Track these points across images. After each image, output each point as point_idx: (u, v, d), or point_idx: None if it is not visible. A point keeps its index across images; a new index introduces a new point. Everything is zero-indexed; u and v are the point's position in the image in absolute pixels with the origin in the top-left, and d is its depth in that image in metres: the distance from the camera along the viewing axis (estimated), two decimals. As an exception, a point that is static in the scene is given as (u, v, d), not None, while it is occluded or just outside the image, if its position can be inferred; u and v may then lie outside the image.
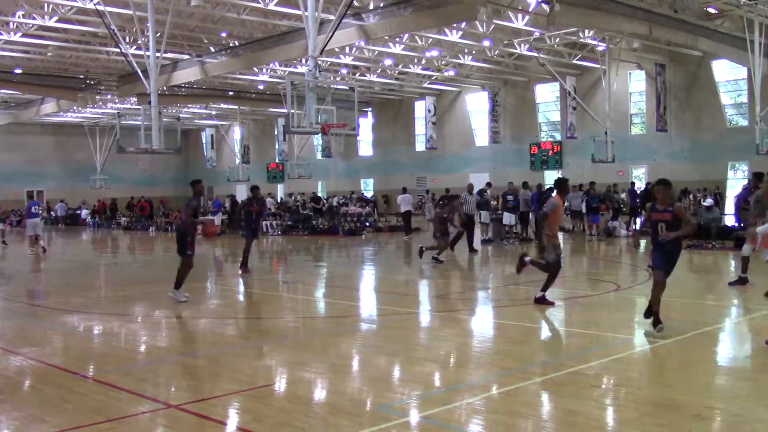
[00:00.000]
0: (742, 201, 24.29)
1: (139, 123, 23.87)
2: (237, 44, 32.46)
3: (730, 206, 30.64)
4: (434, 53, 35.91)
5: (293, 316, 11.52)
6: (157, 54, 24.47)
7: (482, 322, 10.67)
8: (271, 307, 12.63)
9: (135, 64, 25.31)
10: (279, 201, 42.84)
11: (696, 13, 28.65)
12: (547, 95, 43.84)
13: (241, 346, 8.98)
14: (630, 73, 39.24)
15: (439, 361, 7.87)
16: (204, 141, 64.83)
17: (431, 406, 6.08)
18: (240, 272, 16.26)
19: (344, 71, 39.84)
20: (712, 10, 28.82)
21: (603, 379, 6.94)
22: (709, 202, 22.14)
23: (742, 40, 29.13)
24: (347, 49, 33.81)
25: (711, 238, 20.16)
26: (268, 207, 35.86)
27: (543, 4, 25.58)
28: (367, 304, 13.02)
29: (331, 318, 11.30)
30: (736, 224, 22.20)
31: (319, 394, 6.78)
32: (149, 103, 24.24)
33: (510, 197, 23.37)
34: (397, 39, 32.64)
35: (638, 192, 28.01)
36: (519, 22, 29.16)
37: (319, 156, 54.49)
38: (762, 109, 29.26)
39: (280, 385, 7.12)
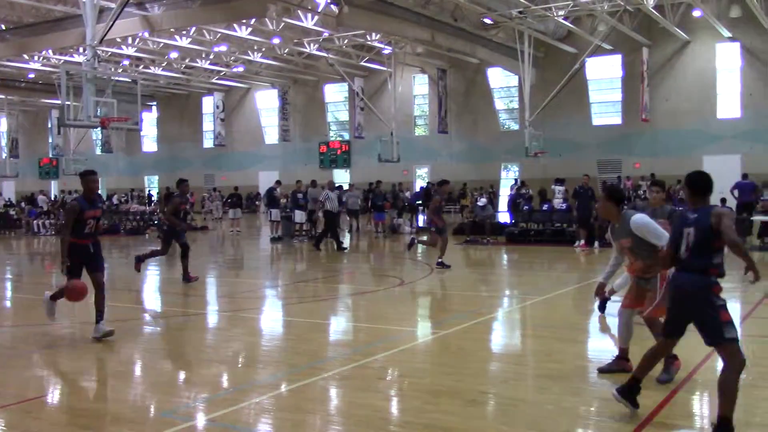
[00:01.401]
0: (514, 200, 26.42)
1: None
2: (4, 28, 29.78)
3: (503, 204, 33.10)
4: (223, 48, 35.28)
5: (68, 322, 10.75)
6: None
7: (270, 320, 10.62)
8: (42, 312, 11.70)
9: None
10: (53, 199, 39.91)
11: (473, 23, 30.61)
12: (335, 95, 44.65)
13: (7, 356, 8.23)
14: (414, 77, 41.04)
15: (227, 361, 7.72)
16: (-35, 133, 58.81)
17: (218, 408, 5.94)
18: (187, 282, 13.60)
19: (126, 62, 37.97)
20: (488, 21, 30.88)
21: (388, 370, 7.17)
22: (483, 201, 23.68)
23: (514, 50, 31.53)
24: (130, 40, 32.29)
25: (485, 233, 21.59)
26: (40, 206, 33.34)
27: (332, 5, 26.00)
28: (151, 305, 12.49)
29: (110, 322, 10.65)
30: (510, 221, 24.02)
31: (98, 403, 6.39)
32: None
33: (300, 195, 23.50)
34: (184, 32, 31.68)
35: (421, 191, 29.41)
36: (308, 22, 29.43)
37: (98, 151, 51.51)
38: (530, 115, 31.79)
39: (53, 396, 6.62)
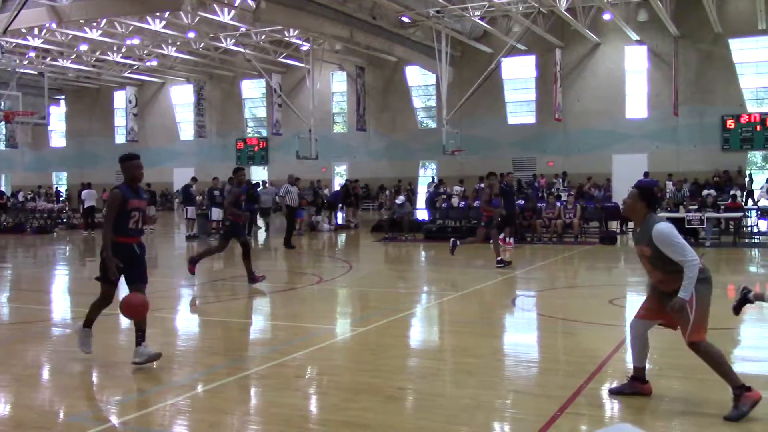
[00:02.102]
0: (432, 198, 26.69)
1: None
2: None
3: (421, 202, 33.40)
4: (135, 42, 34.34)
5: (-30, 325, 10.27)
6: None
7: (186, 320, 10.40)
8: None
9: None
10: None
11: (392, 21, 30.78)
12: (253, 91, 44.15)
13: None
14: (332, 74, 40.95)
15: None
16: None
17: (131, 411, 5.77)
18: (253, 284, 12.42)
19: (33, 54, 36.48)
20: (406, 20, 31.10)
21: (307, 369, 7.12)
22: (401, 199, 23.86)
23: (432, 49, 31.85)
24: (36, 31, 31.04)
25: (404, 231, 21.76)
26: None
27: (249, 0, 25.68)
28: (60, 307, 12.05)
29: (15, 324, 10.24)
30: (428, 218, 24.26)
31: (1, 408, 6.10)
32: None
33: (216, 192, 23.12)
34: (95, 24, 30.68)
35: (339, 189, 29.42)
36: (225, 16, 28.98)
37: (2, 146, 49.46)
38: (448, 113, 32.19)
39: (-47, 402, 6.29)
